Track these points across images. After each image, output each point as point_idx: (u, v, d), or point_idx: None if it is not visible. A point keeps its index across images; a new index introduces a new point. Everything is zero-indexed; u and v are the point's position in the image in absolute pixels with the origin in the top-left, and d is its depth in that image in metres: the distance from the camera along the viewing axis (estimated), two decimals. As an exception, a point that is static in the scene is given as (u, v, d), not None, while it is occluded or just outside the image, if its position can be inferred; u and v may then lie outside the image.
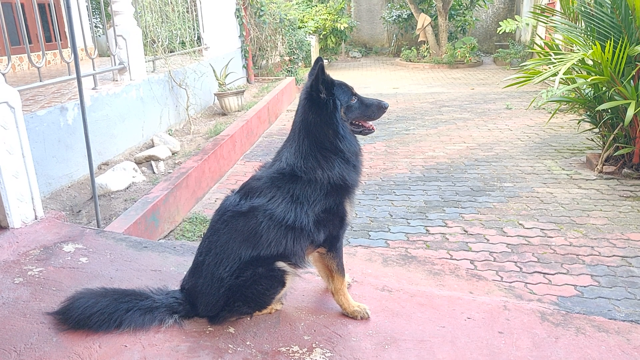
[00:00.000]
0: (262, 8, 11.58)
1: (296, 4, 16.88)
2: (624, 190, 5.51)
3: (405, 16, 19.05)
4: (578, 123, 7.30)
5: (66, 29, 9.40)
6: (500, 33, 9.78)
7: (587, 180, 5.86)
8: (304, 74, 12.57)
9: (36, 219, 3.77)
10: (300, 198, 2.37)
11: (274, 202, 2.38)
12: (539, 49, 6.95)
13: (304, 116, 2.42)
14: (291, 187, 2.39)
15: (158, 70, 7.50)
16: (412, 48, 18.30)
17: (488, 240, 4.51)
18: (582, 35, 6.25)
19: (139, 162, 5.97)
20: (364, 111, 2.54)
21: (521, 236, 4.55)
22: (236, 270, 2.39)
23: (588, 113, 6.49)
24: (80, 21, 5.75)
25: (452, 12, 17.75)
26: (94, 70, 5.72)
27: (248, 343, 2.39)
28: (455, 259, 4.18)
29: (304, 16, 16.75)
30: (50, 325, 2.51)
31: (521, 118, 9.10)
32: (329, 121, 2.39)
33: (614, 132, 5.92)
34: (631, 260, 4.05)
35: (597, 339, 2.43)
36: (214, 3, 9.96)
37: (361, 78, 14.96)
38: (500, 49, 16.93)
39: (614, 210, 5.01)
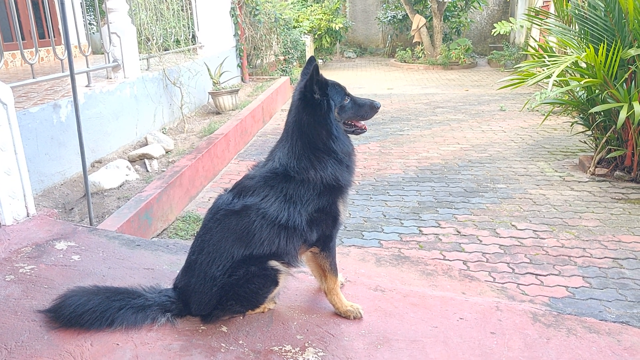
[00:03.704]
0: (257, 7, 11.56)
1: (291, 3, 16.86)
2: (615, 192, 5.54)
3: (400, 17, 19.08)
4: (571, 125, 7.35)
5: (60, 26, 9.35)
6: (494, 35, 9.81)
7: (579, 182, 5.90)
8: (299, 73, 12.52)
9: (28, 216, 3.75)
10: (293, 197, 2.38)
11: (267, 201, 2.38)
12: (533, 51, 6.98)
13: (297, 116, 2.42)
14: (284, 186, 2.39)
15: (152, 68, 7.48)
16: (406, 49, 18.32)
17: (481, 241, 4.53)
18: (576, 38, 6.28)
19: (132, 160, 5.95)
20: (356, 111, 2.55)
21: (514, 237, 4.57)
22: (229, 269, 2.38)
23: (581, 115, 6.53)
24: (74, 18, 5.72)
25: (447, 14, 17.80)
26: (87, 67, 5.69)
27: (241, 342, 2.39)
28: (448, 260, 4.19)
29: (299, 16, 16.74)
30: (42, 323, 2.50)
31: (515, 120, 9.14)
32: (322, 122, 2.39)
33: (607, 135, 5.96)
34: (622, 262, 4.08)
35: (588, 340, 2.45)
36: (209, 2, 9.94)
37: (355, 78, 14.98)
38: (494, 51, 17.00)
39: (605, 212, 5.04)
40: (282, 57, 13.15)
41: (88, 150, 5.29)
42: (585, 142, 6.86)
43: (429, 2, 17.20)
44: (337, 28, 18.10)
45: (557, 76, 5.31)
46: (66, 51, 4.14)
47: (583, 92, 6.34)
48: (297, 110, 2.43)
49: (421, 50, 17.73)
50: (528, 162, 6.72)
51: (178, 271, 2.64)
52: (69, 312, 2.40)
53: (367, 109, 2.56)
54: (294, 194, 2.38)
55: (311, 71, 2.32)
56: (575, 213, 5.05)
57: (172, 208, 5.06)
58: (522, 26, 8.60)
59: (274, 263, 2.42)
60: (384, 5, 20.25)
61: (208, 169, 6.18)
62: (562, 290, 3.71)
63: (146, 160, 5.94)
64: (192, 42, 9.26)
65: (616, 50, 5.32)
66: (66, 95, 5.27)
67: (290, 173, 2.39)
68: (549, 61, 5.81)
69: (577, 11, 6.11)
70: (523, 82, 6.13)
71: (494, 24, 9.37)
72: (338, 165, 2.43)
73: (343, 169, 2.45)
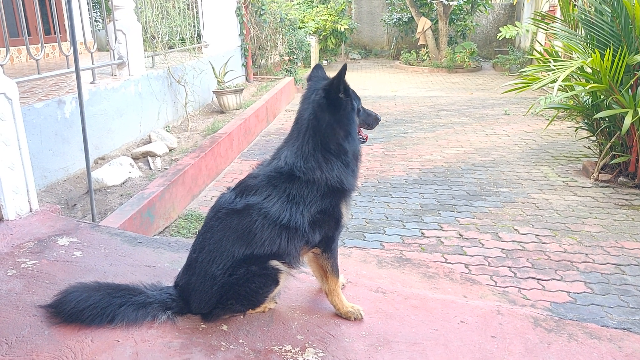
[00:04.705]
0: (263, 7, 11.58)
1: (297, 4, 16.88)
2: (619, 198, 5.53)
3: (406, 19, 19.06)
4: (575, 130, 7.33)
5: (66, 22, 9.37)
6: (500, 39, 9.80)
7: (583, 187, 5.88)
8: (303, 74, 12.57)
9: (31, 211, 3.75)
10: (296, 198, 2.36)
11: (270, 201, 2.37)
12: (539, 55, 6.97)
13: (316, 115, 2.40)
14: (288, 186, 2.38)
15: (157, 66, 7.49)
16: (411, 51, 18.31)
17: (483, 244, 4.52)
18: (582, 43, 6.27)
19: (135, 158, 5.96)
20: (366, 118, 2.63)
21: (516, 241, 4.56)
22: (229, 268, 2.38)
23: (586, 121, 6.52)
24: (80, 15, 5.74)
25: (453, 17, 17.77)
26: (92, 64, 5.70)
27: (241, 341, 2.38)
28: (450, 263, 4.19)
29: (304, 16, 16.74)
30: (43, 318, 2.50)
31: (519, 124, 9.13)
32: (344, 121, 2.41)
33: (611, 141, 5.94)
34: (625, 268, 4.07)
35: (589, 345, 2.44)
36: (214, 1, 9.95)
37: (360, 80, 14.96)
38: (499, 55, 16.96)
39: (608, 218, 5.03)
40: (286, 58, 13.16)
41: (92, 147, 5.30)
42: (589, 148, 6.85)
43: (434, 5, 17.18)
44: (343, 29, 18.08)
45: (562, 81, 5.30)
46: (72, 47, 4.15)
47: (588, 97, 6.32)
48: (318, 108, 2.40)
49: (426, 53, 17.72)
50: (531, 166, 6.71)
51: (179, 269, 2.63)
52: (70, 308, 2.40)
53: (372, 119, 2.66)
54: (297, 194, 2.37)
55: (340, 71, 2.33)
56: (578, 218, 5.03)
57: (174, 206, 5.06)
58: (527, 30, 8.58)
59: (274, 263, 2.41)
60: (390, 7, 20.23)
61: (211, 167, 6.18)
62: (564, 296, 3.70)
63: (149, 158, 5.95)
64: (197, 40, 9.27)
65: (622, 55, 5.31)
66: (71, 92, 5.28)
67: (296, 173, 2.37)
68: (554, 66, 5.80)
69: (583, 16, 6.09)
70: (528, 86, 6.12)
71: (500, 28, 9.36)
72: (344, 168, 2.43)
73: (349, 173, 2.45)
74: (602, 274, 3.99)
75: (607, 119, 5.93)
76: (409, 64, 17.63)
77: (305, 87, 2.58)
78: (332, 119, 2.39)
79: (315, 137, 2.39)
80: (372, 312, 2.64)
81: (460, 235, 4.72)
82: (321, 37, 18.18)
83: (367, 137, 2.66)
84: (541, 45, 7.85)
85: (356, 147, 2.48)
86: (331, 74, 2.39)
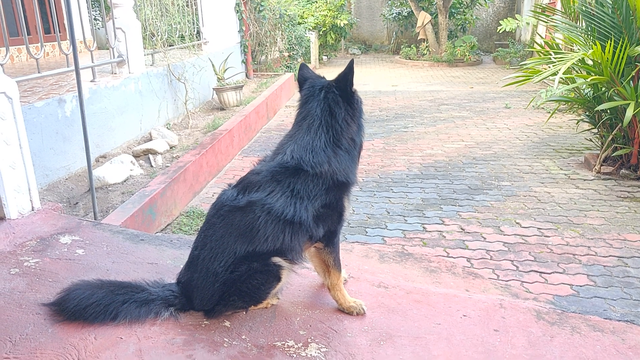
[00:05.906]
0: (262, 3, 11.55)
1: (296, -1, 16.84)
2: (621, 190, 5.52)
3: (406, 14, 19.00)
4: (577, 123, 7.31)
5: (65, 21, 9.36)
6: (500, 32, 9.80)
7: (584, 180, 5.87)
8: (304, 70, 12.52)
9: (33, 210, 3.76)
10: (300, 192, 2.35)
11: (273, 197, 2.36)
12: (539, 48, 6.95)
13: (331, 111, 2.41)
14: (292, 181, 2.36)
15: (157, 63, 7.48)
16: (411, 46, 18.26)
17: (485, 238, 4.52)
18: (583, 34, 6.25)
19: (136, 156, 5.96)
20: None
21: (518, 235, 4.56)
22: (231, 265, 2.38)
23: (587, 113, 6.50)
24: (80, 13, 5.73)
25: (453, 11, 17.72)
26: (92, 62, 5.70)
27: (244, 337, 2.39)
28: (452, 257, 4.19)
29: (303, 12, 16.70)
30: (46, 316, 2.51)
31: (520, 117, 9.11)
32: (357, 115, 2.48)
33: (613, 133, 5.93)
34: (627, 261, 4.06)
35: (592, 338, 2.44)
36: (214, -3, 9.93)
37: (360, 75, 14.90)
38: (500, 48, 16.91)
39: (611, 210, 5.02)
40: (286, 54, 13.13)
41: (93, 145, 5.30)
42: (590, 140, 6.83)
43: (434, -1, 17.14)
44: (342, 25, 18.02)
45: (563, 73, 5.28)
46: (71, 46, 4.14)
47: (589, 89, 6.30)
48: (334, 104, 2.42)
49: (426, 47, 17.67)
50: (533, 159, 6.70)
51: (181, 266, 2.64)
52: (73, 306, 2.41)
53: None
54: (302, 188, 2.35)
55: (349, 66, 2.36)
56: (580, 211, 5.03)
57: (176, 203, 5.06)
58: (528, 23, 8.57)
59: (277, 259, 2.41)
60: (389, 1, 20.17)
61: (212, 164, 6.18)
62: (567, 289, 3.70)
63: (150, 156, 5.95)
64: (196, 38, 9.26)
65: (623, 47, 5.28)
66: (71, 90, 5.28)
67: (304, 167, 2.36)
68: (555, 58, 5.78)
69: (584, 8, 6.07)
70: (529, 79, 6.10)
71: (500, 21, 9.35)
72: (350, 162, 2.45)
73: (354, 167, 2.48)
74: (604, 266, 3.99)
75: (608, 111, 5.92)
76: (409, 59, 17.58)
77: (299, 87, 2.57)
78: (346, 114, 2.42)
79: (328, 132, 2.40)
80: (374, 307, 2.64)
81: (462, 229, 4.72)
82: (321, 32, 18.12)
83: None
84: (542, 37, 7.83)
85: (362, 140, 2.55)
86: (331, 69, 2.40)
